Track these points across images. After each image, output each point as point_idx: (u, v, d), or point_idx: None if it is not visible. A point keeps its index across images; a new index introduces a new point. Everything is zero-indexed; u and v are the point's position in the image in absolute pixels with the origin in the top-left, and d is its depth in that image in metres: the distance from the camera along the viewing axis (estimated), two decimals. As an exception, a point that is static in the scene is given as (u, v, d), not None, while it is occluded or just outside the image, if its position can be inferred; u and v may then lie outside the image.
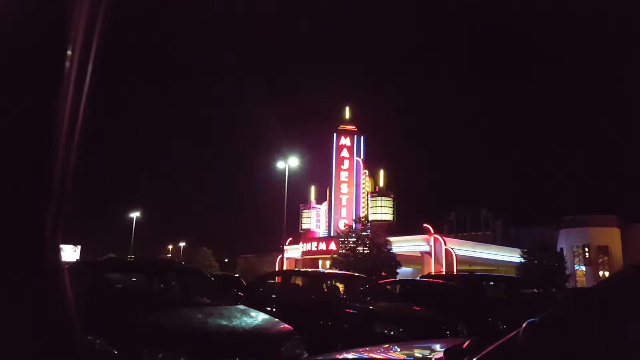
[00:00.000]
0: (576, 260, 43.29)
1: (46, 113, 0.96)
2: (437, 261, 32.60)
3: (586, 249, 44.40)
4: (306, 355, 4.92)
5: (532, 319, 1.78)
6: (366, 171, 40.54)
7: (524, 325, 1.75)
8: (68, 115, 0.99)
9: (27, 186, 0.96)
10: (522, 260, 32.01)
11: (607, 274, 40.62)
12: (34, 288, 0.96)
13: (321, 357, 2.84)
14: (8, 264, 0.93)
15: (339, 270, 22.60)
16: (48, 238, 0.98)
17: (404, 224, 38.23)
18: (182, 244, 65.30)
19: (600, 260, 43.88)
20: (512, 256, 34.75)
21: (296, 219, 42.37)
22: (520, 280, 18.83)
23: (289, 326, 5.32)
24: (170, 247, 66.25)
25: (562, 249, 38.58)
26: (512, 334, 1.86)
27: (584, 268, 43.40)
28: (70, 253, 44.13)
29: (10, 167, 0.94)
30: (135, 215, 51.57)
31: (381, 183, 39.63)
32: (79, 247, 48.11)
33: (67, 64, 0.97)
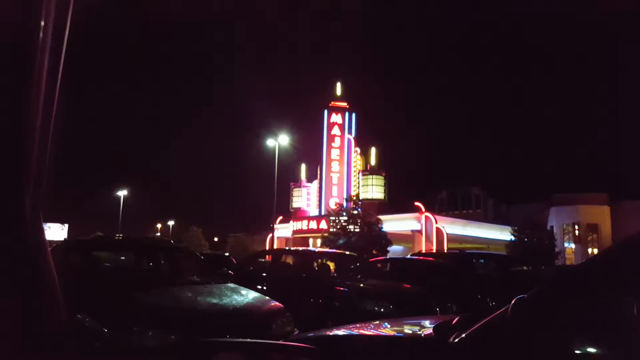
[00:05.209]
0: (566, 238, 43.83)
1: (19, 93, 0.97)
2: (428, 239, 32.82)
3: (576, 227, 44.94)
4: (296, 332, 4.94)
5: (521, 296, 1.78)
6: (357, 149, 40.34)
7: (512, 301, 1.75)
8: (44, 93, 1.01)
9: (4, 162, 0.97)
10: (513, 238, 32.35)
11: (595, 251, 41.20)
12: (16, 260, 0.97)
13: (312, 334, 2.83)
14: None
15: (330, 249, 22.72)
16: (28, 213, 0.98)
17: (395, 203, 38.37)
18: (171, 223, 65.21)
19: (590, 237, 44.47)
20: (503, 234, 35.09)
21: (287, 197, 42.37)
22: (510, 257, 18.98)
23: (280, 304, 5.33)
24: (159, 225, 66.16)
25: (552, 227, 38.99)
26: (501, 310, 1.85)
27: (573, 246, 43.97)
28: (57, 232, 43.70)
29: None
30: (123, 193, 51.24)
31: (372, 161, 39.53)
32: (67, 225, 47.69)
33: (41, 35, 0.99)
